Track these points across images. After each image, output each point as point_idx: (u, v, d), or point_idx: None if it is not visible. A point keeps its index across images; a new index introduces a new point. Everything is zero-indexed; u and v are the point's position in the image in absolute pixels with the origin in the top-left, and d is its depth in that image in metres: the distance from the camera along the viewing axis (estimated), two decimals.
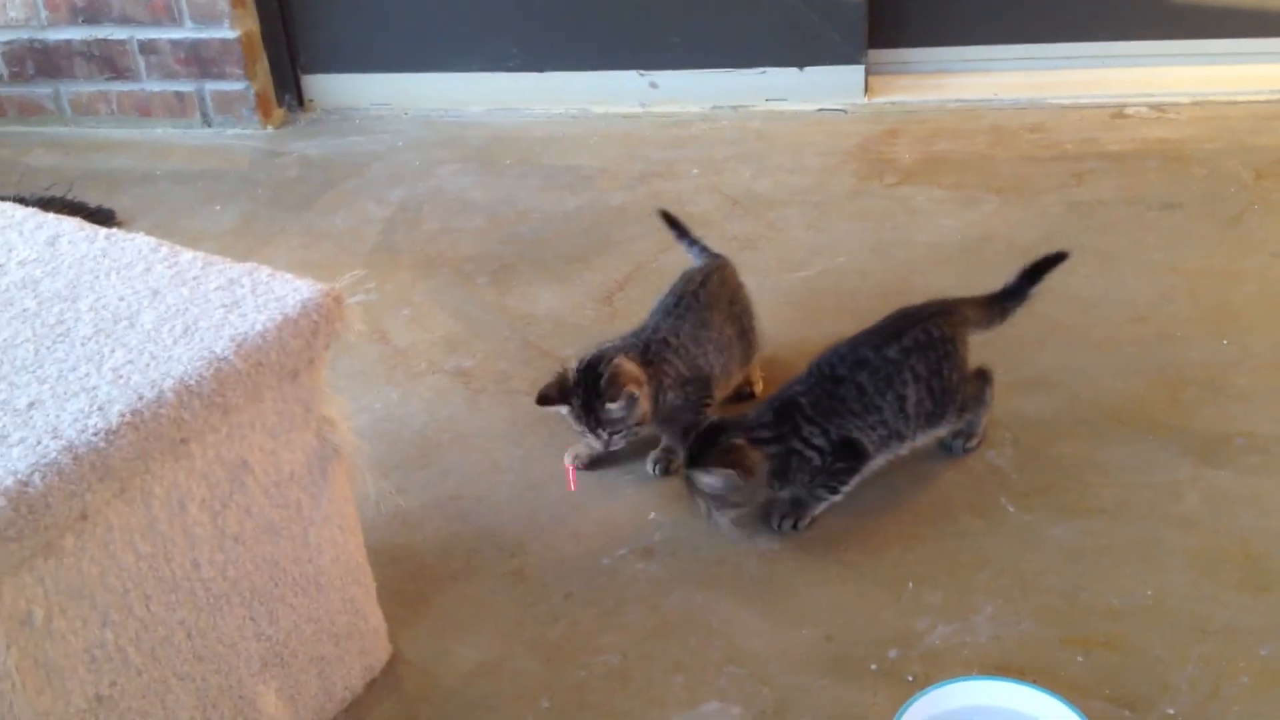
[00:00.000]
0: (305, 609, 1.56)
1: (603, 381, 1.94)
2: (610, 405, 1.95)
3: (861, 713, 1.62)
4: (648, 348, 2.04)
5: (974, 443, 2.07)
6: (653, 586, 1.85)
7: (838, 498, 1.94)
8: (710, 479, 1.84)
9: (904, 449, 1.98)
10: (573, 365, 2.00)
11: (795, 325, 2.42)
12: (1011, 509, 1.95)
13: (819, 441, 1.90)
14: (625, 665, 1.72)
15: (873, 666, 1.69)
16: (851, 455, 1.92)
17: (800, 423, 1.90)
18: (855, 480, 1.94)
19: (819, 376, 1.94)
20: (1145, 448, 2.05)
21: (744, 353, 2.17)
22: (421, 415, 2.25)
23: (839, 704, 1.63)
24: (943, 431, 2.02)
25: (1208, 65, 3.38)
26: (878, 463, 1.96)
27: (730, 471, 1.82)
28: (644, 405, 1.98)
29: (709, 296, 2.13)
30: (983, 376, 2.06)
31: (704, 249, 2.29)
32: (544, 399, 2.00)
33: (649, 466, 2.07)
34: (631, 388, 1.95)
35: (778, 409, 1.92)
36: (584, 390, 1.96)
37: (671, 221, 2.34)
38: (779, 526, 1.93)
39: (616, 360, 1.96)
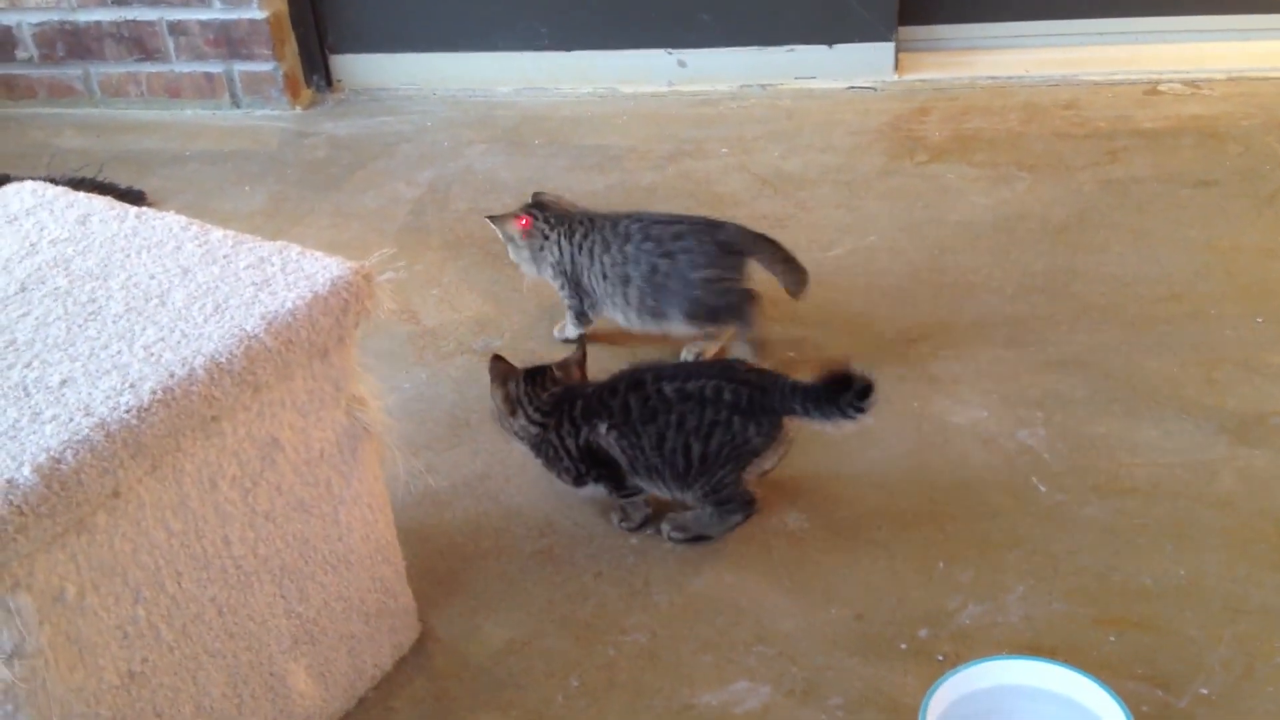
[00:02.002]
0: (335, 587, 1.56)
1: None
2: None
3: (891, 692, 1.62)
4: (562, 224, 2.31)
5: (679, 535, 1.89)
6: (681, 566, 1.85)
7: (629, 502, 1.92)
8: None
9: (666, 493, 1.89)
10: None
11: (826, 305, 2.40)
12: (1043, 488, 1.93)
13: (570, 444, 1.88)
14: (654, 644, 1.72)
15: (903, 646, 1.68)
16: (601, 464, 1.88)
17: (564, 420, 1.89)
18: (634, 495, 1.90)
19: (609, 384, 1.90)
20: (1179, 427, 2.03)
21: (641, 307, 2.25)
22: (451, 394, 2.25)
23: (869, 683, 1.63)
24: (688, 499, 1.89)
25: (1243, 41, 3.34)
26: (642, 484, 1.89)
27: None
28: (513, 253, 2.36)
29: (655, 234, 2.22)
30: (749, 500, 1.90)
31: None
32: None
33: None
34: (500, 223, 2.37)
35: (558, 398, 1.91)
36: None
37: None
38: (616, 523, 1.94)
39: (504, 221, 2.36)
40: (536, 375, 1.92)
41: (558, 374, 1.93)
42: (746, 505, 1.89)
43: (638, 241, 2.23)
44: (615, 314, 2.30)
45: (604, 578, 1.84)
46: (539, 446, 1.93)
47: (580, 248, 2.29)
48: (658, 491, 1.90)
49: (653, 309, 2.24)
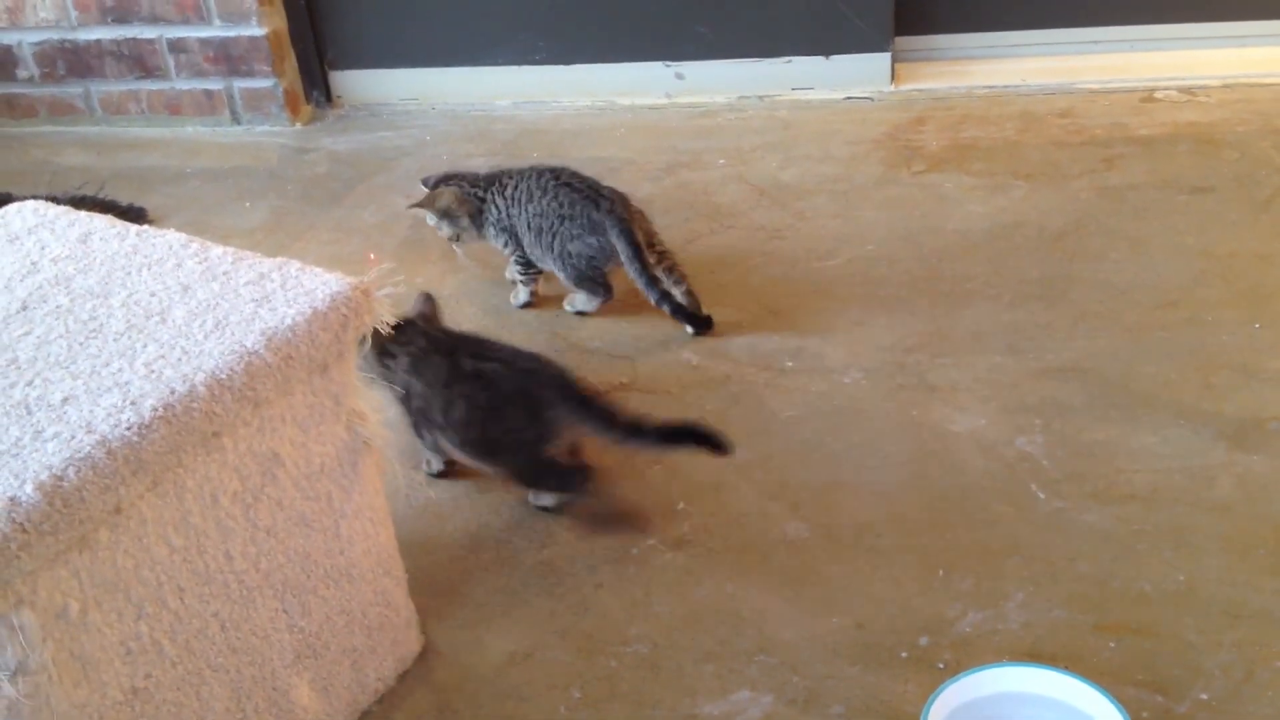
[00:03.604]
0: (337, 601, 1.57)
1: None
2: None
3: (892, 700, 1.62)
4: (493, 184, 2.50)
5: (546, 501, 1.99)
6: (682, 576, 1.85)
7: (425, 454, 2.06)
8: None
9: (462, 457, 1.99)
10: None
11: (824, 314, 2.41)
12: (1042, 495, 1.94)
13: (402, 377, 1.98)
14: (656, 655, 1.72)
15: (903, 654, 1.69)
16: (409, 408, 2.00)
17: (398, 351, 1.98)
18: (426, 449, 2.03)
19: (441, 340, 2.02)
20: (1177, 433, 2.04)
21: (545, 251, 2.45)
22: None
23: (870, 692, 1.63)
24: (496, 474, 2.00)
25: (1238, 48, 3.35)
26: (446, 445, 1.99)
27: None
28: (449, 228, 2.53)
29: (561, 198, 2.42)
30: (578, 470, 1.97)
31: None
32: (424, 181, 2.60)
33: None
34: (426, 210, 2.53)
35: (405, 325, 1.98)
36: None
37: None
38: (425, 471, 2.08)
39: (449, 189, 2.51)
40: (402, 326, 2.00)
41: (420, 324, 2.04)
42: (565, 482, 1.95)
43: (551, 197, 2.43)
44: (546, 265, 2.50)
45: (605, 589, 1.84)
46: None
47: (513, 200, 2.47)
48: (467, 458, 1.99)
49: (549, 258, 2.45)
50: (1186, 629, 1.68)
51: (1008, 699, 1.51)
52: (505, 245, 2.51)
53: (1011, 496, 1.94)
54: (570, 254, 2.41)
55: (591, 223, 2.38)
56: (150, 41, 3.36)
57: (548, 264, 2.48)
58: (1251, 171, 2.81)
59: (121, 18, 3.33)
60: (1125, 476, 1.96)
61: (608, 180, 2.99)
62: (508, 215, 2.48)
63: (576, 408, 1.90)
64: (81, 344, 1.39)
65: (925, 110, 3.25)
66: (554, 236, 2.41)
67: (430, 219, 2.54)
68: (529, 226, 2.45)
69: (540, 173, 2.48)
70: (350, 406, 1.51)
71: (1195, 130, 3.01)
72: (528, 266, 2.52)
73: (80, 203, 2.84)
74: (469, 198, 2.51)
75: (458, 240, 2.55)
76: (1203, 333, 2.27)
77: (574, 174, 2.48)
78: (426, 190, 2.56)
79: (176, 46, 3.36)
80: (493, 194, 2.49)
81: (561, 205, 2.41)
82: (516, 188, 2.47)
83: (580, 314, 2.49)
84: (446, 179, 2.56)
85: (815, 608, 1.78)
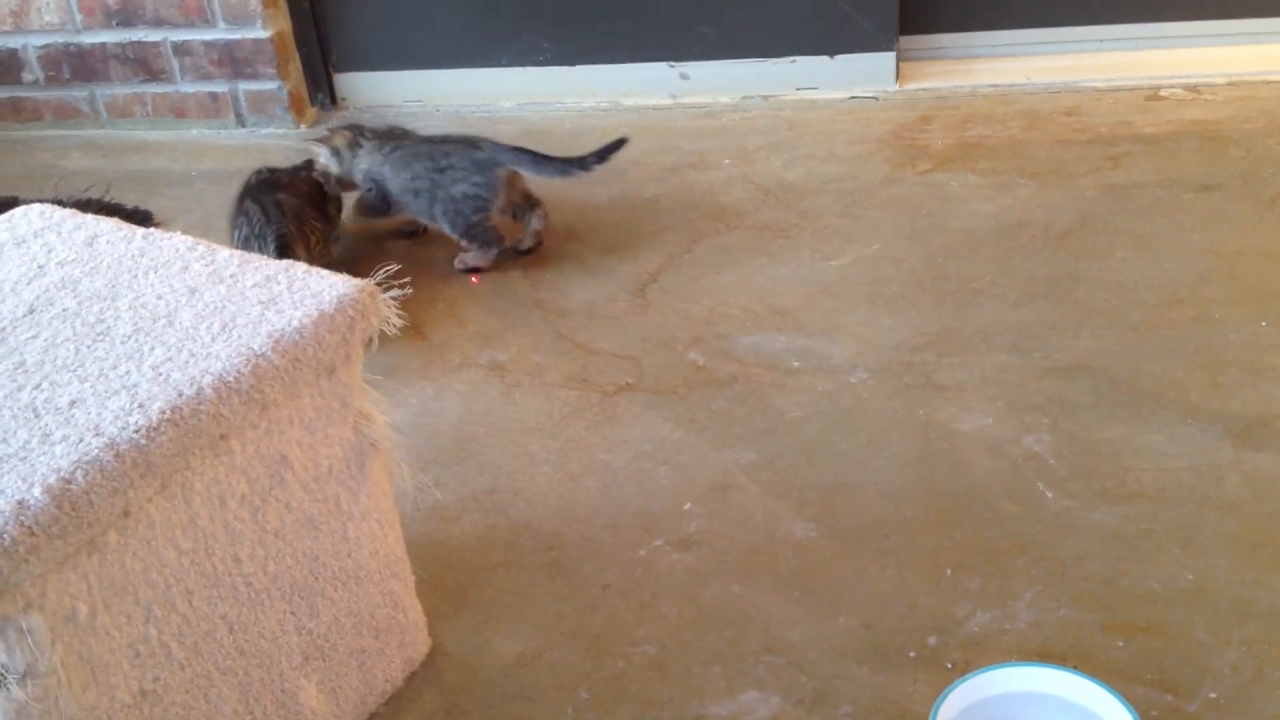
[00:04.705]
0: (345, 603, 1.57)
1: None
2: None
3: (901, 700, 1.62)
4: (377, 137, 2.73)
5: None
6: (690, 577, 1.85)
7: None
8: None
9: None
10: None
11: (830, 314, 2.41)
12: (1050, 495, 1.94)
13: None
14: (663, 656, 1.72)
15: (911, 654, 1.69)
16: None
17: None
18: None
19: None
20: (1185, 431, 2.04)
21: (429, 215, 2.68)
22: (457, 409, 2.26)
23: (878, 692, 1.63)
24: None
25: (1244, 45, 3.34)
26: None
27: None
28: (336, 166, 2.73)
29: (432, 153, 2.67)
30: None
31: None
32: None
33: None
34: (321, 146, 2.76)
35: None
36: None
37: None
38: None
39: (345, 132, 2.75)
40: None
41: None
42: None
43: (424, 160, 2.65)
44: (416, 217, 2.74)
45: (612, 590, 1.84)
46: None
47: (387, 160, 2.68)
48: None
49: (434, 216, 2.66)
50: (1195, 628, 1.68)
51: (1016, 699, 1.51)
52: (369, 190, 2.71)
53: (1019, 496, 1.94)
54: (455, 199, 2.61)
55: (475, 163, 2.62)
56: (155, 44, 3.36)
57: (436, 222, 2.68)
58: (1258, 169, 2.80)
59: (126, 21, 3.33)
60: (1133, 475, 1.96)
61: (612, 180, 3.01)
62: (380, 171, 2.69)
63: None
64: (89, 347, 1.39)
65: (930, 109, 3.25)
66: (436, 189, 2.63)
67: (323, 156, 2.73)
68: (406, 189, 2.66)
69: (417, 142, 2.72)
70: (357, 408, 1.51)
71: (1201, 128, 3.01)
72: (370, 211, 2.75)
73: (86, 206, 2.84)
74: (356, 142, 2.72)
75: (338, 183, 2.76)
76: (1209, 331, 2.27)
77: (438, 135, 2.77)
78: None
79: (181, 49, 3.36)
80: (374, 146, 2.70)
81: (435, 160, 2.64)
82: (395, 151, 2.69)
83: (471, 271, 2.67)
84: (350, 126, 2.78)
85: (823, 608, 1.78)
